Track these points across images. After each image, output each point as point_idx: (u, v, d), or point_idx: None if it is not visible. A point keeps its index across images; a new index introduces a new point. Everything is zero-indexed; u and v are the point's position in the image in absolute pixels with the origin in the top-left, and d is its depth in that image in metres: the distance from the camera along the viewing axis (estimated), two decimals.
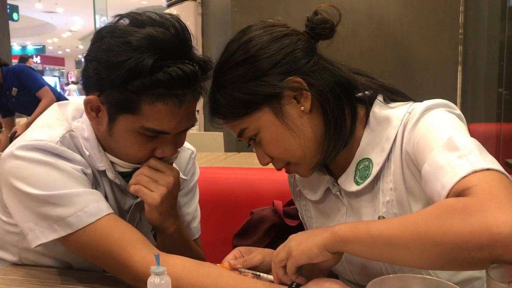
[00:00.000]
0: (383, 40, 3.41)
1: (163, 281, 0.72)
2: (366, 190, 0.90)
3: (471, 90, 3.39)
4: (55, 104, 1.07)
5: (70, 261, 1.06)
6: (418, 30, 3.36)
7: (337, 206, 0.97)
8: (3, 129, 4.33)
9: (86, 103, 0.94)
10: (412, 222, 0.67)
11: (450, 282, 0.59)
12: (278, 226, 1.23)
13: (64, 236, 0.90)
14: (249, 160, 2.36)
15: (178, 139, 1.00)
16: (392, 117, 0.87)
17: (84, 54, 0.97)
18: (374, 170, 0.88)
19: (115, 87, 0.89)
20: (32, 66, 4.88)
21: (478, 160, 0.69)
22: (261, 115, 0.87)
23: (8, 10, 8.14)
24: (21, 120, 4.67)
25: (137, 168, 0.99)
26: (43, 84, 4.03)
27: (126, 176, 1.02)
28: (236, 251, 0.98)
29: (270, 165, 0.94)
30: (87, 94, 0.95)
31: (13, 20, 11.01)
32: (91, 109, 0.95)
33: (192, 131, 1.58)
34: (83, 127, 1.00)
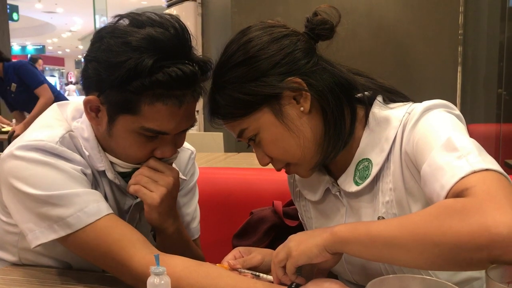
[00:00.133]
0: (382, 41, 3.42)
1: (162, 281, 0.72)
2: (365, 191, 0.90)
3: (471, 90, 3.39)
4: (55, 104, 1.07)
5: (70, 261, 1.06)
6: (417, 31, 3.37)
7: (337, 206, 0.97)
8: (13, 123, 4.35)
9: (85, 103, 0.94)
10: (412, 223, 0.67)
11: (450, 282, 0.59)
12: (277, 227, 1.23)
13: (63, 236, 0.90)
14: (249, 160, 2.36)
15: (177, 140, 1.00)
16: (391, 118, 0.87)
17: (84, 54, 0.97)
18: (374, 171, 0.88)
19: (115, 88, 0.89)
20: (42, 67, 4.88)
21: (477, 161, 0.69)
22: (261, 115, 0.87)
23: (8, 10, 8.14)
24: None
25: (137, 169, 0.99)
26: (43, 81, 4.03)
27: (126, 176, 1.02)
28: (235, 251, 0.98)
29: (270, 165, 0.94)
30: (86, 94, 0.95)
31: (13, 20, 11.01)
32: (90, 109, 0.95)
33: (192, 131, 1.58)
34: (83, 127, 1.00)
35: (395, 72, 3.33)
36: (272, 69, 0.86)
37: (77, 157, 0.96)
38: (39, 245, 0.91)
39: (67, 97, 8.83)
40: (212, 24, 4.33)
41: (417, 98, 0.92)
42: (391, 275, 0.63)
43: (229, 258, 0.96)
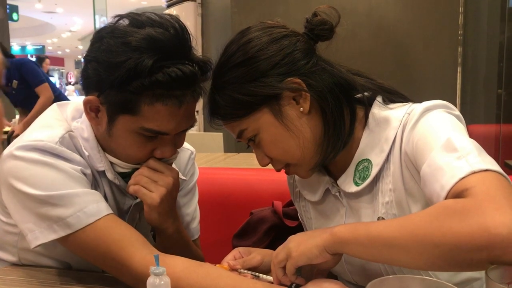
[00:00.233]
0: (382, 41, 3.42)
1: (162, 282, 0.72)
2: (365, 191, 0.90)
3: (471, 91, 3.39)
4: (55, 105, 1.07)
5: (70, 262, 1.06)
6: (417, 31, 3.37)
7: (337, 207, 0.97)
8: (13, 123, 4.35)
9: (85, 103, 0.94)
10: (411, 223, 0.67)
11: (450, 283, 0.59)
12: (277, 227, 1.23)
13: (63, 237, 0.90)
14: (248, 160, 2.36)
15: (177, 140, 1.00)
16: (391, 118, 0.87)
17: (84, 55, 0.97)
18: (374, 171, 0.88)
19: (115, 88, 0.89)
20: (49, 68, 4.87)
21: (476, 161, 0.69)
22: (260, 116, 0.87)
23: (8, 10, 8.14)
24: None
25: (137, 169, 0.99)
26: (43, 80, 4.03)
27: (126, 176, 1.02)
28: (235, 252, 0.98)
29: (270, 166, 0.95)
30: (86, 95, 0.95)
31: (13, 20, 11.01)
32: (90, 110, 0.95)
33: (192, 131, 1.59)
34: (83, 127, 1.00)
35: (395, 73, 3.33)
36: (272, 70, 0.86)
37: (77, 157, 0.96)
38: (38, 245, 0.91)
39: (68, 97, 8.82)
40: (212, 24, 4.34)
41: (417, 98, 0.92)
42: (391, 276, 0.63)
43: (229, 259, 0.96)
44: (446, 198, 0.69)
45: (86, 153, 0.99)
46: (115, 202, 1.05)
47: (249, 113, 0.87)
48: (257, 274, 0.93)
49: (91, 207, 0.91)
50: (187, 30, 0.93)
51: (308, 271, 0.84)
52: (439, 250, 0.63)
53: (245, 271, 0.93)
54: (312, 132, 0.88)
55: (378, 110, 0.90)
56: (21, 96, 4.05)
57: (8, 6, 8.07)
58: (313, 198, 1.00)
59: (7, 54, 4.04)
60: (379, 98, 0.92)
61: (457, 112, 0.85)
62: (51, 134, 0.95)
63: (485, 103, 3.50)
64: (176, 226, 1.04)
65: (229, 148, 3.10)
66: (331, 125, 0.88)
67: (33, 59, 6.90)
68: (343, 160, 0.92)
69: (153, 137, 0.94)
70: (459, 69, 3.33)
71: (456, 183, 0.68)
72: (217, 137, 3.06)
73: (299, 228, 1.14)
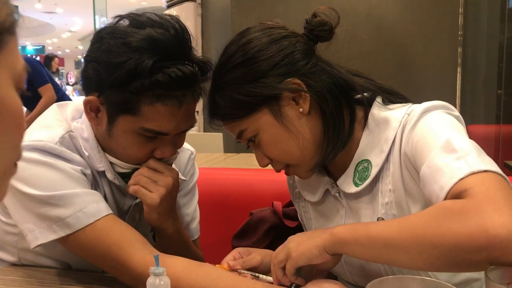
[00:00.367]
0: (382, 42, 3.42)
1: (162, 282, 0.72)
2: (365, 192, 0.90)
3: (470, 91, 3.39)
4: (55, 105, 1.07)
5: (69, 262, 1.06)
6: (417, 32, 3.37)
7: (336, 207, 0.97)
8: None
9: (85, 103, 0.94)
10: (411, 224, 0.67)
11: (449, 283, 0.59)
12: (277, 227, 1.23)
13: (63, 237, 0.90)
14: (248, 161, 2.36)
15: (177, 140, 1.00)
16: (391, 119, 0.87)
17: (84, 55, 0.97)
18: (373, 172, 0.88)
19: (115, 88, 0.89)
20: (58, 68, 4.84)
21: (476, 162, 0.69)
22: (260, 116, 0.87)
23: None
24: None
25: (136, 169, 0.99)
26: (47, 81, 4.02)
27: (126, 176, 1.02)
28: (235, 252, 0.98)
29: (270, 166, 0.95)
30: (86, 95, 0.95)
31: None
32: (90, 110, 0.95)
33: (192, 132, 1.58)
34: (83, 127, 1.00)
35: (394, 73, 3.33)
36: (271, 70, 0.86)
37: (77, 157, 0.96)
38: (38, 245, 0.91)
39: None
40: (212, 24, 4.33)
41: (417, 99, 0.92)
42: (390, 276, 0.63)
43: (229, 259, 0.96)
44: (445, 199, 0.69)
45: (86, 153, 0.99)
46: (115, 202, 1.05)
47: (248, 114, 0.87)
48: (256, 274, 0.93)
49: (91, 207, 0.91)
50: (187, 31, 0.93)
51: (308, 272, 0.84)
52: (438, 250, 0.63)
53: (245, 272, 0.93)
54: (311, 132, 0.88)
55: (378, 110, 0.90)
56: (23, 96, 4.04)
57: None
58: (312, 199, 1.00)
59: None
60: (378, 99, 0.92)
61: (457, 113, 0.85)
62: (51, 134, 0.95)
63: (484, 104, 3.50)
64: (176, 226, 1.04)
65: (229, 148, 3.10)
66: (331, 126, 0.88)
67: (38, 58, 6.88)
68: (343, 160, 0.92)
69: (153, 137, 0.94)
70: (459, 70, 3.33)
71: (455, 183, 0.68)
72: (217, 138, 3.06)
73: (299, 229, 1.14)
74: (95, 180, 1.01)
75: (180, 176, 1.07)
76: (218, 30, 4.22)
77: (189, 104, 0.93)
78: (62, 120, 1.02)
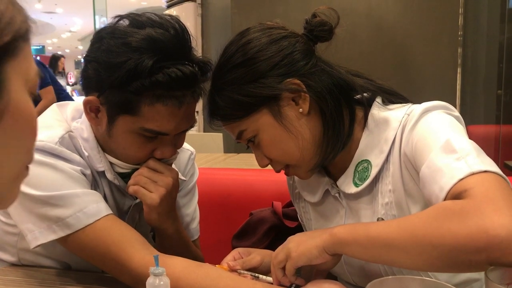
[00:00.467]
0: (382, 42, 3.42)
1: (162, 282, 0.72)
2: (365, 192, 0.90)
3: (470, 92, 3.39)
4: (55, 105, 1.07)
5: (69, 262, 1.06)
6: (417, 32, 3.37)
7: (336, 208, 0.97)
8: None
9: (85, 103, 0.94)
10: (410, 224, 0.67)
11: (449, 284, 0.59)
12: (277, 227, 1.23)
13: (63, 237, 0.90)
14: (248, 161, 2.36)
15: (177, 140, 1.00)
16: (390, 119, 0.87)
17: (84, 55, 0.97)
18: (373, 172, 0.88)
19: (115, 88, 0.89)
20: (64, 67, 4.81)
21: (475, 162, 0.69)
22: (260, 117, 0.87)
23: None
24: None
25: (136, 169, 0.99)
26: (48, 83, 4.01)
27: (125, 177, 1.02)
28: (235, 252, 0.98)
29: (270, 166, 0.94)
30: (86, 95, 0.95)
31: None
32: (90, 110, 0.95)
33: (192, 132, 1.58)
34: (83, 127, 1.00)
35: (394, 74, 3.33)
36: (271, 71, 0.86)
37: (77, 157, 0.96)
38: (38, 245, 0.91)
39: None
40: (212, 25, 4.33)
41: (417, 99, 0.92)
42: (390, 277, 0.63)
43: (229, 259, 0.96)
44: (445, 199, 0.69)
45: (86, 154, 0.99)
46: (115, 203, 1.05)
47: (248, 114, 0.87)
48: (256, 274, 0.93)
49: (90, 208, 0.91)
50: (187, 31, 0.93)
51: (308, 272, 0.84)
52: (438, 251, 0.63)
53: (245, 272, 0.93)
54: (311, 133, 0.88)
55: (378, 111, 0.90)
56: None
57: None
58: (312, 199, 1.00)
59: None
60: (378, 99, 0.92)
61: (457, 113, 0.85)
62: (50, 134, 0.95)
63: (484, 104, 3.50)
64: (175, 227, 1.04)
65: (229, 148, 3.10)
66: (330, 126, 0.88)
67: (38, 58, 6.84)
68: (343, 161, 0.92)
69: (153, 137, 0.94)
70: (459, 70, 3.33)
71: (455, 184, 0.68)
72: (217, 138, 3.06)
73: (299, 229, 1.13)
74: (95, 180, 1.01)
75: (180, 176, 1.07)
76: (218, 30, 4.22)
77: (189, 104, 0.93)
78: (62, 120, 1.02)
